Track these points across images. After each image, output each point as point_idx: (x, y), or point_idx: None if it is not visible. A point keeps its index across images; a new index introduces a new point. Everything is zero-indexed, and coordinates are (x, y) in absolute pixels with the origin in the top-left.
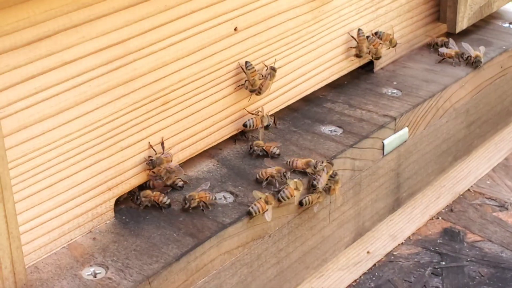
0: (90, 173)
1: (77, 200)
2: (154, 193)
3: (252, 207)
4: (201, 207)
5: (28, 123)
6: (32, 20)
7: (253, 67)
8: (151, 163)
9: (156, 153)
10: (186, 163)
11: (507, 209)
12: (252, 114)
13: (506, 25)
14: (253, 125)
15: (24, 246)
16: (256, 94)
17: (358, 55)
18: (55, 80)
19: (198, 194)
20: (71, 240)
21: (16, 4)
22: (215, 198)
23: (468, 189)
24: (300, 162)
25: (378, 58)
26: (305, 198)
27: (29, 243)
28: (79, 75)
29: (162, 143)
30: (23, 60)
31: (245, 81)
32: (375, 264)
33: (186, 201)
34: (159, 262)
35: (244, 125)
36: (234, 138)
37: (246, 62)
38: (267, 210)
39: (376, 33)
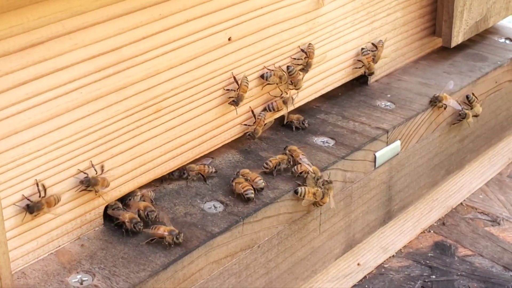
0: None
1: (66, 206)
2: (199, 166)
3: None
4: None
5: (18, 129)
6: (25, 26)
7: (248, 84)
8: (86, 182)
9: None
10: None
11: (499, 224)
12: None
13: (502, 40)
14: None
15: (12, 251)
16: (232, 104)
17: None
18: (47, 86)
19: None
20: (59, 246)
21: (10, 10)
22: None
23: (461, 203)
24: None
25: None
26: (300, 187)
27: (17, 248)
28: (71, 82)
29: (102, 167)
30: (15, 66)
31: (232, 90)
32: (365, 276)
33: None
34: (146, 271)
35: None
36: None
37: (245, 77)
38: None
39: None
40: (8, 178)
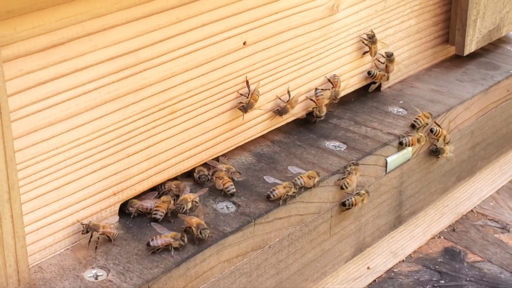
0: (97, 177)
1: (82, 203)
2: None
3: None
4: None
5: (38, 127)
6: (47, 27)
7: (259, 94)
8: (86, 228)
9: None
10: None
11: (508, 231)
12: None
13: None
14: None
15: (29, 246)
16: (240, 110)
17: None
18: (67, 86)
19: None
20: (75, 242)
21: (32, 11)
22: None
23: (471, 210)
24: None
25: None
26: (348, 199)
27: (34, 243)
28: (90, 82)
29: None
30: (36, 66)
31: (244, 96)
32: (375, 280)
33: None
34: (159, 267)
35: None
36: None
37: (257, 89)
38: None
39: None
40: (28, 174)
